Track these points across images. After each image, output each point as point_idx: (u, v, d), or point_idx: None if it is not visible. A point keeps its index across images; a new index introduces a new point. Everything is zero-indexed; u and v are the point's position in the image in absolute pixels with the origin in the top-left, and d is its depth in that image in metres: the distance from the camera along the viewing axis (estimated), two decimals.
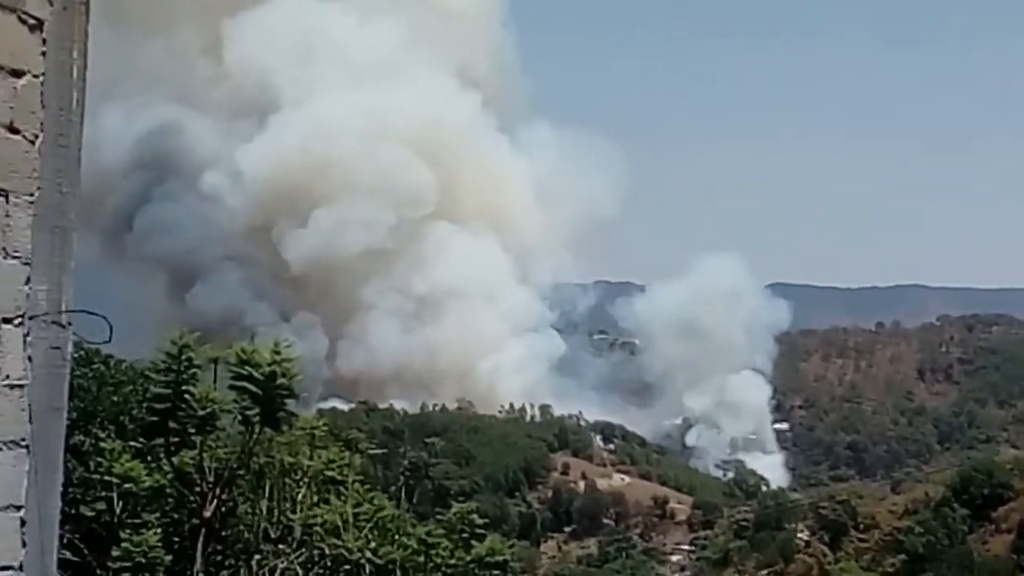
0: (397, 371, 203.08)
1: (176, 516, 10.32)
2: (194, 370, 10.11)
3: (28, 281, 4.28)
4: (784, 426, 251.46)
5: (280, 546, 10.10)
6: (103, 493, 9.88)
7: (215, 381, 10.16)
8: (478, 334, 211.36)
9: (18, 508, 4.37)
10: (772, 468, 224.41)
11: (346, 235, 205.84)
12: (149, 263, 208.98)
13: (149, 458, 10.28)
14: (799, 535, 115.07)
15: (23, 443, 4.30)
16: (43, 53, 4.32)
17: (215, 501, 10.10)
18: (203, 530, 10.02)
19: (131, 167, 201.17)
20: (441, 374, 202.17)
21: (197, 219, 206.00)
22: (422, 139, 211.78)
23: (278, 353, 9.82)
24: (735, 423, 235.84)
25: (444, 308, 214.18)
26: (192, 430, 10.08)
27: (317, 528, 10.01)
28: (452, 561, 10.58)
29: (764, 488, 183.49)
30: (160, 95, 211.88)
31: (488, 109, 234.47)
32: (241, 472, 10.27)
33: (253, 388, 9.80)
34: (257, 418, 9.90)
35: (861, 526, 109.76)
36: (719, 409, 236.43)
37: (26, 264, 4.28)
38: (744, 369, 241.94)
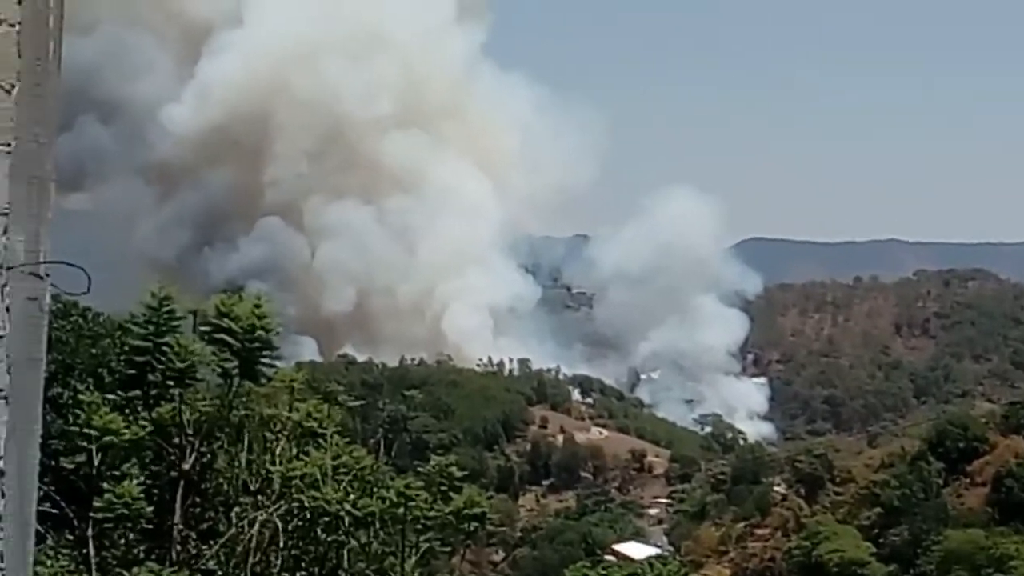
0: (361, 304, 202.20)
1: (155, 469, 10.33)
2: (176, 323, 10.10)
3: (5, 232, 4.27)
4: (762, 380, 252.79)
5: (259, 498, 10.12)
6: (82, 445, 9.88)
7: (194, 331, 10.15)
8: (456, 283, 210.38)
9: None
10: (748, 396, 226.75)
11: (308, 165, 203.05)
12: (87, 201, 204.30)
13: (128, 411, 10.26)
14: (776, 488, 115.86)
15: (1, 394, 4.29)
16: (19, 2, 4.29)
17: (194, 454, 10.12)
18: (182, 482, 10.04)
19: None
20: (412, 312, 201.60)
21: (129, 151, 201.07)
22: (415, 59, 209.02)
23: (258, 307, 9.82)
24: (705, 361, 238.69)
25: (421, 239, 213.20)
26: (171, 383, 10.07)
27: (296, 480, 10.03)
28: (431, 513, 10.62)
29: (741, 442, 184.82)
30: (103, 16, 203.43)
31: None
32: (220, 424, 10.28)
33: (232, 341, 9.81)
34: (236, 371, 9.91)
35: (837, 479, 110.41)
36: (690, 357, 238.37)
37: (3, 215, 4.27)
38: (709, 295, 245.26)
